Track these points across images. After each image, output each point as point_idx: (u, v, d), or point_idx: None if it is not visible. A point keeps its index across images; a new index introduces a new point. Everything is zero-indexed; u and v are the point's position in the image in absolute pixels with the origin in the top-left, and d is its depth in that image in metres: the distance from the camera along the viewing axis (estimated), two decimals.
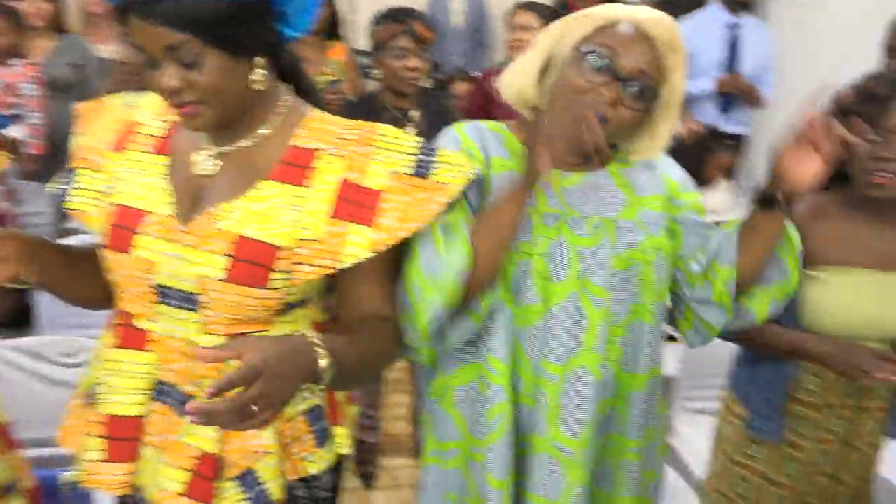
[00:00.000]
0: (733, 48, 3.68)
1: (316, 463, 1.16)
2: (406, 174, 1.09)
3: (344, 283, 1.13)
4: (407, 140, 1.12)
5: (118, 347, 1.14)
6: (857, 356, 1.43)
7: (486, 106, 2.82)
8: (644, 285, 1.24)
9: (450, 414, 1.30)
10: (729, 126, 3.68)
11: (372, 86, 2.66)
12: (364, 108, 2.28)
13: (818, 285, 1.47)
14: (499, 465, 1.24)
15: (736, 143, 3.61)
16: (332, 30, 3.28)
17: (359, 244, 1.05)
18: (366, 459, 2.58)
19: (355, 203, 1.06)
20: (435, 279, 1.11)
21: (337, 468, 1.21)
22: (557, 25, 1.21)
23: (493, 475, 1.24)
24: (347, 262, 1.06)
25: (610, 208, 1.24)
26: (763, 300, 1.29)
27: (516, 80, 1.24)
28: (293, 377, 0.93)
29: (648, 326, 1.27)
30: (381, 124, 1.13)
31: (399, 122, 2.26)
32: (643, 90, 1.15)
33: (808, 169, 1.14)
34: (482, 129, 1.28)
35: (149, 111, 1.18)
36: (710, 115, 3.67)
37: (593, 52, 1.14)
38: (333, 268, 1.06)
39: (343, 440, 1.20)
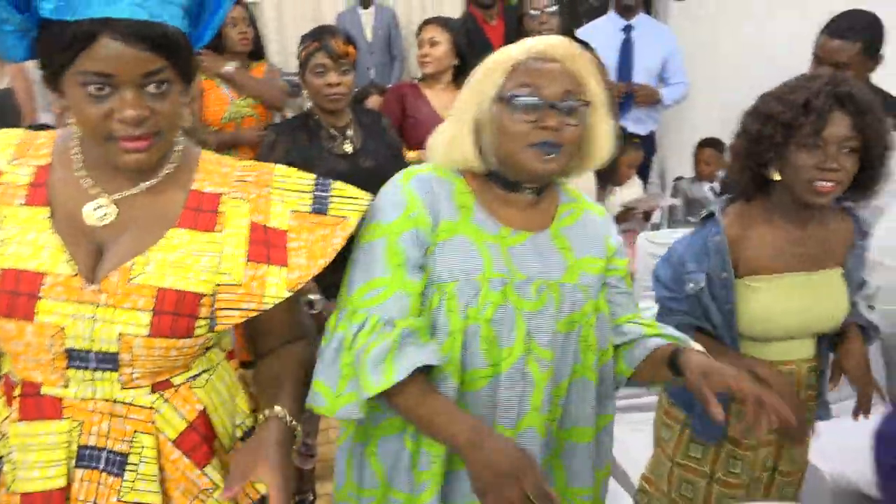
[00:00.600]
0: (626, 52, 3.78)
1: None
2: (305, 212, 1.11)
3: (260, 320, 1.13)
4: (302, 178, 1.15)
5: (24, 420, 1.07)
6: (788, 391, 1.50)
7: (400, 117, 2.85)
8: (586, 346, 1.26)
9: (368, 461, 1.28)
10: (637, 127, 3.79)
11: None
12: (300, 128, 2.27)
13: (752, 294, 1.53)
14: None
15: (643, 140, 3.71)
16: (256, 50, 3.24)
17: (277, 285, 1.07)
18: (304, 487, 2.54)
19: (266, 244, 1.08)
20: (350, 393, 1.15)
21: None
22: (468, 90, 1.23)
23: None
24: (270, 304, 1.07)
25: (553, 271, 1.24)
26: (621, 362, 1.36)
27: (455, 153, 1.24)
28: (289, 464, 1.07)
29: (591, 384, 1.28)
30: (277, 165, 1.15)
31: (335, 139, 2.25)
32: (574, 106, 1.18)
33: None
34: (430, 183, 1.23)
35: (1, 156, 1.08)
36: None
37: (517, 95, 1.17)
38: (258, 310, 1.07)
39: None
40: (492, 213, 1.24)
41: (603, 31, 3.76)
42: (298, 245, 1.09)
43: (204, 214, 1.08)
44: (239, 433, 1.20)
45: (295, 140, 2.22)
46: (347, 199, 1.15)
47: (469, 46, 2.96)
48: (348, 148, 2.26)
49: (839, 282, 1.58)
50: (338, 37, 2.21)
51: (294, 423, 1.11)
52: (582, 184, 3.10)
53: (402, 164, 2.32)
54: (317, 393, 1.18)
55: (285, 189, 1.12)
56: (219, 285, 1.06)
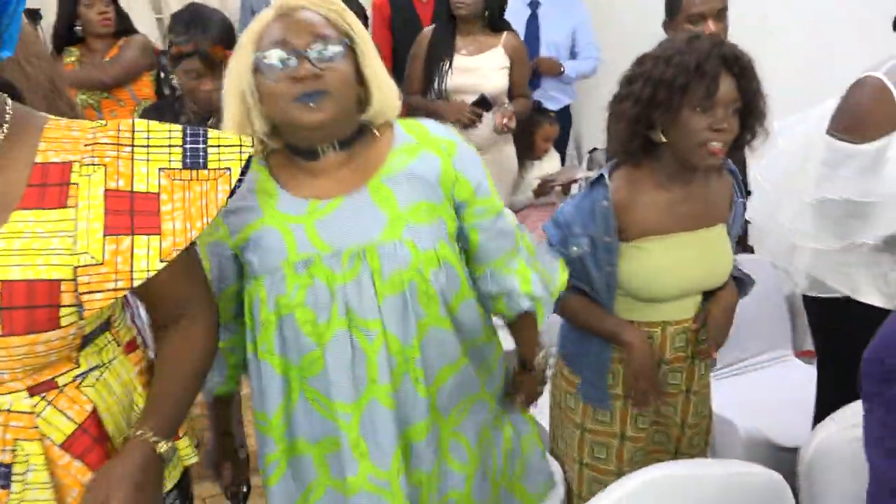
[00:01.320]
0: (532, 27, 3.78)
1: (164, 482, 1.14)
2: (177, 168, 1.01)
3: (146, 292, 1.07)
4: (169, 131, 1.03)
5: None
6: (650, 369, 1.58)
7: None
8: (427, 299, 1.22)
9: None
10: (551, 103, 3.82)
11: None
12: (165, 110, 2.11)
13: (642, 255, 1.57)
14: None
15: (561, 117, 3.75)
16: (124, 29, 3.04)
17: (149, 257, 0.97)
18: (237, 479, 2.48)
19: (130, 213, 0.97)
20: None
21: (183, 481, 1.21)
22: (227, 76, 1.20)
23: None
24: (141, 279, 0.97)
25: (368, 233, 1.20)
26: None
27: (233, 128, 1.20)
28: (150, 493, 1.03)
29: (445, 331, 1.26)
30: (138, 120, 1.04)
31: (203, 125, 2.13)
32: (329, 48, 1.13)
33: None
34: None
35: None
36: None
37: (262, 56, 1.13)
38: (128, 288, 0.98)
39: (186, 451, 1.18)
40: (298, 192, 1.21)
41: (510, 7, 3.74)
42: (172, 207, 0.99)
43: (52, 189, 0.96)
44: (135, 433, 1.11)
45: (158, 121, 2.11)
46: (227, 147, 1.05)
47: (400, 23, 2.89)
48: None
49: (724, 238, 1.64)
50: (214, 39, 1.98)
51: (161, 444, 1.06)
52: (504, 160, 3.14)
53: None
54: None
55: (150, 146, 1.00)
56: (77, 267, 0.95)
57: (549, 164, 3.49)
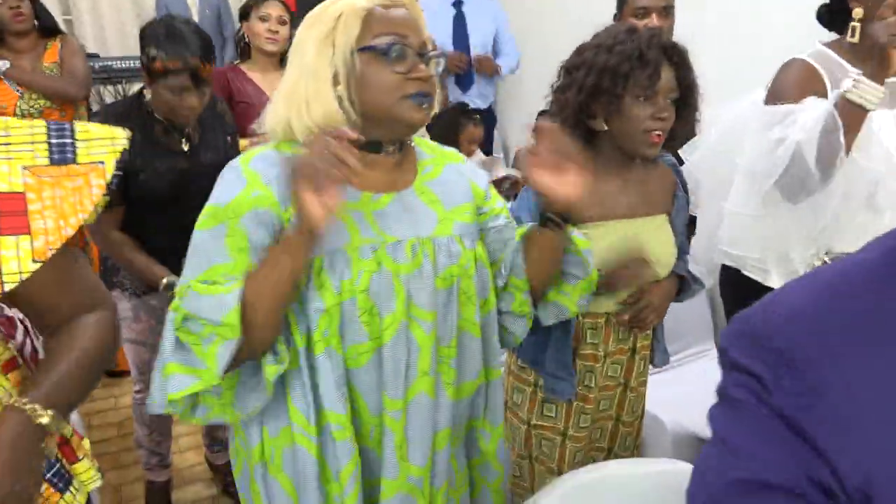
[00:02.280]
0: (460, 26, 3.79)
1: None
2: (43, 165, 0.95)
3: (28, 299, 0.99)
4: (32, 127, 0.97)
5: None
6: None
7: (228, 100, 2.66)
8: (466, 299, 1.23)
9: (277, 480, 1.18)
10: (480, 101, 3.84)
11: None
12: (131, 117, 1.96)
13: None
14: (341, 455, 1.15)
15: (483, 115, 3.77)
16: (47, 27, 2.89)
17: (19, 258, 0.91)
18: (158, 502, 2.41)
19: None
20: (189, 363, 1.04)
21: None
22: (315, 46, 1.12)
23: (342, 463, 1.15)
24: (13, 283, 0.90)
25: (424, 227, 1.19)
26: (573, 296, 1.37)
27: (322, 112, 1.12)
28: (25, 464, 0.93)
29: (475, 339, 1.25)
30: None
31: (170, 133, 1.99)
32: (433, 55, 1.16)
33: (568, 182, 1.20)
34: (274, 159, 1.13)
35: None
36: (454, 94, 3.79)
37: (384, 46, 1.11)
38: None
39: (88, 475, 1.11)
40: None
41: (434, 5, 3.74)
42: (41, 206, 0.93)
43: None
44: None
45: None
46: (98, 140, 1.00)
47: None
48: (185, 147, 2.02)
49: (666, 228, 1.65)
50: (200, 55, 1.91)
51: (42, 414, 0.96)
52: None
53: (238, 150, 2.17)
54: (175, 375, 1.05)
55: (11, 143, 0.94)
56: None
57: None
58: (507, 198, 3.43)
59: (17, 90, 2.80)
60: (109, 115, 1.99)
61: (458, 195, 1.26)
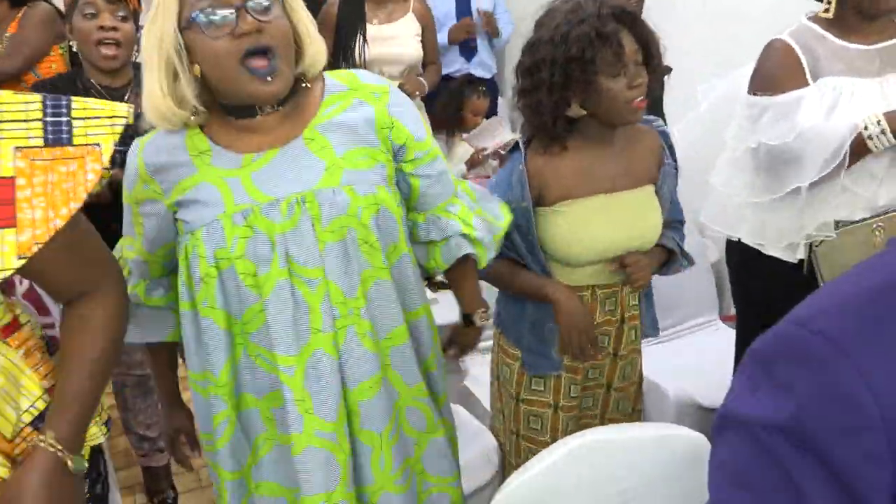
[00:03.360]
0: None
1: None
2: (37, 146, 0.88)
3: (38, 280, 0.99)
4: (27, 103, 0.89)
5: None
6: (582, 322, 1.57)
7: None
8: (369, 248, 1.21)
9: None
10: (481, 70, 3.80)
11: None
12: (66, 88, 1.85)
13: (560, 218, 1.57)
14: (228, 465, 1.29)
15: (486, 86, 3.74)
16: None
17: (2, 254, 0.84)
18: (160, 486, 2.39)
19: None
20: None
21: (93, 458, 1.17)
22: (145, 35, 1.12)
23: (224, 468, 1.29)
24: None
25: (306, 181, 1.17)
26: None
27: (161, 110, 1.13)
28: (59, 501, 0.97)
29: (390, 284, 1.25)
30: None
31: (107, 98, 1.83)
32: (265, 3, 1.09)
33: None
34: (160, 145, 1.20)
35: None
36: (457, 65, 3.75)
37: (196, 13, 1.07)
38: None
39: (91, 431, 1.11)
40: (234, 149, 1.18)
41: None
42: (31, 193, 0.85)
43: None
44: (28, 418, 1.03)
45: None
46: (96, 119, 0.92)
47: None
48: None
49: (650, 199, 1.64)
50: None
51: (70, 459, 0.98)
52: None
53: None
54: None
55: (3, 121, 0.86)
56: None
57: (490, 134, 3.46)
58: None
59: None
60: (38, 86, 1.92)
61: (356, 139, 1.21)
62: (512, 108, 4.63)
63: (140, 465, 2.39)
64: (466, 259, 1.40)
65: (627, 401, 1.81)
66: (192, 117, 1.15)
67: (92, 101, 0.95)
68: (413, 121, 1.27)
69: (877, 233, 1.74)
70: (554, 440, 1.69)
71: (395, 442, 1.29)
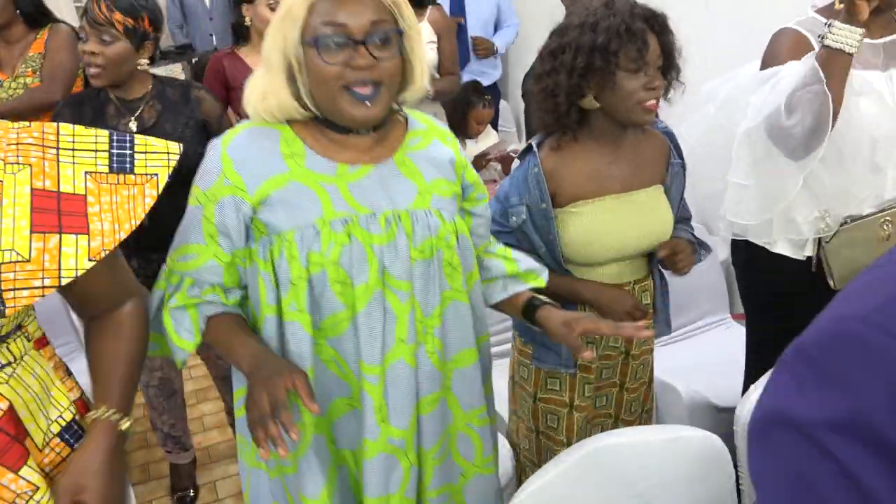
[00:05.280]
0: (459, 7, 3.74)
1: None
2: (103, 173, 1.03)
3: (73, 291, 1.08)
4: (96, 136, 1.05)
5: None
6: (626, 302, 1.58)
7: (223, 89, 2.63)
8: (451, 270, 1.25)
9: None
10: (482, 79, 3.81)
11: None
12: (88, 100, 2.00)
13: (574, 219, 1.59)
14: (309, 480, 1.23)
15: (490, 93, 3.75)
16: (37, 16, 2.75)
17: (77, 256, 0.99)
18: (182, 483, 2.46)
19: (57, 212, 0.98)
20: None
21: None
22: (272, 34, 1.14)
23: (304, 493, 1.23)
24: (70, 277, 0.98)
25: (402, 199, 1.21)
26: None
27: (270, 105, 1.17)
28: (119, 469, 1.08)
29: (465, 306, 1.29)
30: (62, 123, 1.04)
31: (121, 115, 1.97)
32: (387, 36, 1.12)
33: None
34: (249, 141, 1.19)
35: None
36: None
37: (318, 35, 1.10)
38: (54, 286, 0.98)
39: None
40: (328, 156, 1.20)
41: None
42: (99, 209, 1.01)
43: None
44: (56, 428, 1.12)
45: (79, 115, 1.97)
46: (154, 153, 1.07)
47: None
48: (133, 126, 1.98)
49: (660, 198, 1.66)
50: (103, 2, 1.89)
51: (123, 420, 1.10)
52: None
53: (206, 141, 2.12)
54: (151, 343, 1.26)
55: (76, 149, 1.02)
56: (5, 263, 0.94)
57: (485, 143, 3.48)
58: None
59: None
60: (73, 98, 2.04)
61: (438, 170, 1.27)
62: (517, 110, 4.66)
63: (168, 461, 2.48)
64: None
65: (638, 403, 1.82)
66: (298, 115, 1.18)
67: (151, 139, 1.09)
68: (475, 172, 1.37)
69: (885, 227, 1.74)
70: (569, 441, 1.72)
71: (438, 463, 1.30)
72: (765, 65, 1.72)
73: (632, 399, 1.80)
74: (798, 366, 0.54)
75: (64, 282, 0.98)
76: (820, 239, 1.74)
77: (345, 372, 1.22)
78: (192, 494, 2.46)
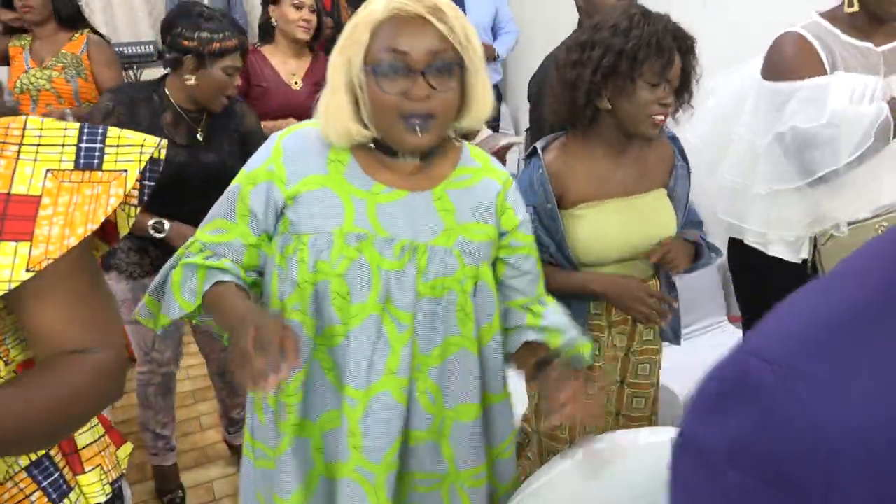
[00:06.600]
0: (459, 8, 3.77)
1: None
2: (67, 169, 0.91)
3: (23, 314, 0.91)
4: (65, 129, 0.94)
5: None
6: (635, 291, 1.59)
7: (244, 86, 2.64)
8: (463, 315, 1.21)
9: (255, 415, 1.28)
10: None
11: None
12: (143, 101, 1.97)
13: (580, 222, 1.61)
14: (284, 480, 1.23)
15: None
16: (68, 18, 2.85)
17: (13, 265, 0.84)
18: (169, 486, 2.44)
19: (2, 217, 0.86)
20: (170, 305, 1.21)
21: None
22: (337, 54, 1.14)
23: (277, 492, 1.24)
24: (2, 291, 0.84)
25: (423, 232, 1.19)
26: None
27: (336, 124, 1.16)
28: None
29: (473, 357, 1.24)
30: (33, 117, 0.94)
31: (179, 124, 1.99)
32: (446, 67, 1.10)
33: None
34: (306, 138, 1.21)
35: None
36: None
37: (379, 63, 1.09)
38: None
39: (92, 489, 1.05)
40: (369, 171, 1.20)
41: None
42: (53, 212, 0.88)
43: None
44: (24, 462, 0.98)
45: (132, 115, 1.95)
46: (127, 146, 0.95)
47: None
48: (191, 138, 2.00)
49: (664, 202, 1.68)
50: (245, 35, 1.98)
51: None
52: None
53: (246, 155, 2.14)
54: (144, 306, 1.26)
55: (41, 144, 0.91)
56: None
57: (480, 140, 3.48)
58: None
59: (28, 66, 2.83)
60: (122, 99, 1.98)
61: (477, 213, 1.23)
62: (516, 113, 4.67)
63: (151, 465, 2.44)
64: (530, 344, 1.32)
65: (646, 400, 1.82)
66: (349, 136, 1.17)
67: (126, 132, 0.98)
68: (522, 214, 1.29)
69: (880, 231, 1.75)
70: (572, 438, 1.73)
71: (423, 491, 1.27)
72: (771, 69, 1.73)
73: (632, 395, 1.81)
74: (708, 389, 0.53)
75: None
76: (815, 242, 1.75)
77: (339, 382, 1.21)
78: (181, 495, 2.44)
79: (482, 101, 1.18)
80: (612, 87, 1.51)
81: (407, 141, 1.12)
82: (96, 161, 0.93)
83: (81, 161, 0.92)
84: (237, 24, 1.97)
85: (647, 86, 1.49)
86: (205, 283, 1.18)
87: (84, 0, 4.01)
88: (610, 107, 1.54)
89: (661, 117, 1.51)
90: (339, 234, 1.16)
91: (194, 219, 1.23)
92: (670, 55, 1.47)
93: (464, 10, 3.70)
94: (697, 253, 1.75)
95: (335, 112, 1.15)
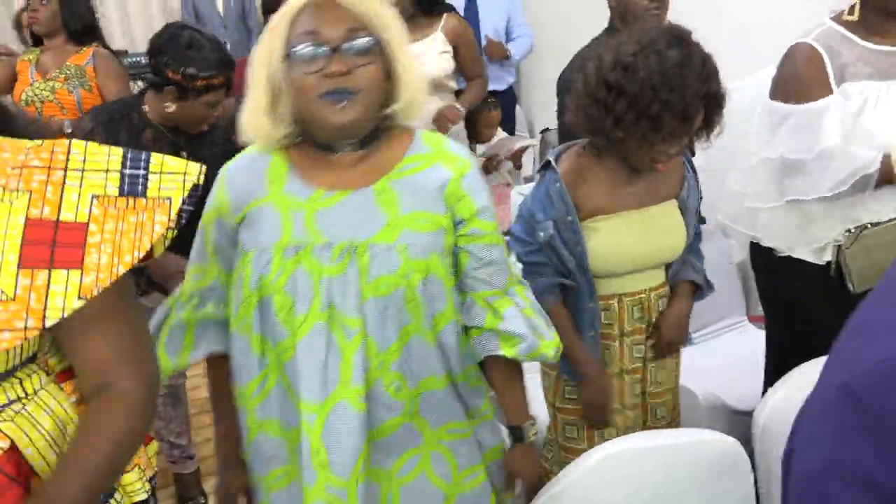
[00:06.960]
0: (471, 12, 3.74)
1: None
2: (112, 196, 0.93)
3: (65, 341, 0.95)
4: (108, 154, 0.96)
5: None
6: (601, 408, 1.66)
7: (238, 92, 2.66)
8: (414, 306, 1.18)
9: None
10: (495, 84, 3.81)
11: None
12: (121, 120, 1.94)
13: (593, 234, 1.60)
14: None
15: (500, 97, 3.75)
16: (78, 30, 2.88)
17: (66, 294, 0.87)
18: (190, 492, 2.45)
19: (51, 244, 0.88)
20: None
21: None
22: (257, 53, 1.16)
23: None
24: (54, 319, 0.87)
25: (364, 231, 1.17)
26: None
27: (256, 122, 1.18)
28: None
29: (428, 346, 1.21)
30: (75, 140, 0.96)
31: (160, 140, 1.95)
32: (363, 45, 1.11)
33: None
34: (245, 165, 1.24)
35: None
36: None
37: (295, 45, 1.10)
38: (37, 329, 0.87)
39: (134, 487, 1.08)
40: (309, 179, 1.19)
41: None
42: (100, 239, 0.89)
43: None
44: None
45: (112, 133, 1.90)
46: (170, 174, 0.97)
47: None
48: (175, 156, 1.96)
49: (674, 213, 1.67)
50: (232, 68, 1.93)
51: None
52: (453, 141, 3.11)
53: None
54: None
55: (85, 170, 0.92)
56: None
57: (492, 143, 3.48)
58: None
59: (33, 78, 2.87)
60: (100, 119, 1.96)
61: (423, 202, 1.19)
62: (530, 117, 4.66)
63: (170, 471, 2.46)
64: (508, 360, 1.27)
65: (665, 408, 1.81)
66: (284, 139, 1.19)
67: (168, 158, 1.00)
68: (482, 201, 1.23)
69: None
70: (590, 445, 1.71)
71: (406, 481, 1.26)
72: (775, 83, 1.73)
73: (655, 406, 1.79)
74: (848, 411, 0.49)
75: (49, 323, 0.87)
76: (839, 244, 1.73)
77: (296, 402, 1.20)
78: (203, 501, 2.45)
79: (408, 82, 1.18)
80: (633, 120, 1.47)
81: (330, 120, 1.11)
82: (140, 188, 0.95)
83: (126, 188, 0.94)
84: (226, 58, 1.91)
85: (660, 138, 1.47)
86: (192, 350, 1.28)
87: (101, 11, 4.07)
88: (622, 135, 1.50)
89: (663, 165, 1.52)
90: (277, 249, 1.17)
91: (183, 239, 1.24)
92: (693, 121, 1.46)
93: (476, 16, 3.74)
94: (697, 293, 1.77)
95: (251, 109, 1.18)
